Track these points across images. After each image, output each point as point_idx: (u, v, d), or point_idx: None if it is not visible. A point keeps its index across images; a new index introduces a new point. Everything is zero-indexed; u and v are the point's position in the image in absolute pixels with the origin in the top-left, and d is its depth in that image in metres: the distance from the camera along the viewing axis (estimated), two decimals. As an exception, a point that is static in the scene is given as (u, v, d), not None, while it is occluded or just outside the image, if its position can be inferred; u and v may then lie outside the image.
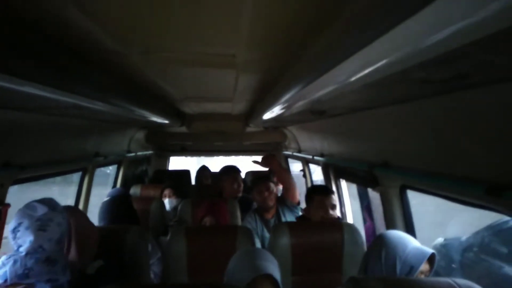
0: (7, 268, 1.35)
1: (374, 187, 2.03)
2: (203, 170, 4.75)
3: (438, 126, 1.27)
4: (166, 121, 3.25)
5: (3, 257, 1.39)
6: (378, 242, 1.52)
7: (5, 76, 0.88)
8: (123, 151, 3.68)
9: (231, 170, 3.59)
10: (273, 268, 1.45)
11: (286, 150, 4.76)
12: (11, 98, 1.27)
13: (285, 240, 2.05)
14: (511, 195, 0.93)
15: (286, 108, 1.77)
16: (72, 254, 1.51)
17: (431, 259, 1.44)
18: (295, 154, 4.13)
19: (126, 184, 4.05)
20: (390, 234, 1.53)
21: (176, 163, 7.18)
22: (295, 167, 5.02)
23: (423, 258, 1.39)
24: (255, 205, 3.58)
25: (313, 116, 1.91)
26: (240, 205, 3.11)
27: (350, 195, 3.16)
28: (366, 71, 0.81)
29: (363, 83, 0.95)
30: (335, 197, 2.43)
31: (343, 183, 3.00)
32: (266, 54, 1.34)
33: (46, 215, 1.40)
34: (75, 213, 1.59)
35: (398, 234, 1.52)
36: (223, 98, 2.63)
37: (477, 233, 4.07)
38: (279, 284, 1.42)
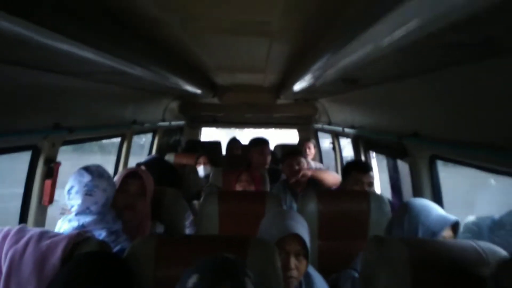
0: (64, 227, 1.54)
1: (403, 158, 2.04)
2: (234, 141, 4.86)
3: (467, 95, 1.27)
4: (199, 91, 3.34)
5: (59, 221, 1.58)
6: (402, 209, 1.55)
7: (52, 35, 0.95)
8: (158, 120, 3.84)
9: (259, 142, 3.62)
10: (302, 229, 1.49)
11: (317, 124, 4.76)
12: (57, 60, 1.37)
13: (312, 207, 2.12)
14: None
15: (317, 77, 1.80)
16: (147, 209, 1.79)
17: (454, 227, 1.46)
18: (325, 127, 4.14)
19: (161, 152, 4.24)
20: (415, 201, 1.55)
21: (207, 135, 7.37)
22: (325, 143, 5.03)
23: (445, 224, 1.41)
24: (283, 176, 3.66)
25: (345, 85, 1.92)
26: (268, 176, 3.20)
27: (380, 169, 3.17)
28: (396, 35, 0.84)
29: (393, 48, 0.97)
30: (372, 174, 2.40)
31: (373, 156, 3.01)
32: (300, 21, 1.37)
33: (91, 182, 1.56)
34: (147, 175, 1.88)
35: (423, 202, 1.54)
36: (255, 69, 2.67)
37: (510, 212, 3.97)
38: (306, 244, 1.46)
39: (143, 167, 2.51)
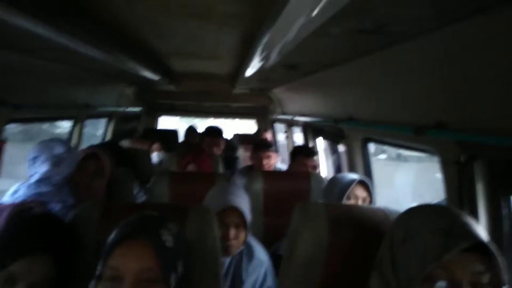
0: (21, 192, 1.55)
1: (341, 142, 2.23)
2: (191, 129, 4.91)
3: (380, 81, 1.45)
4: (155, 78, 3.36)
5: (16, 184, 1.60)
6: (330, 182, 1.77)
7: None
8: (112, 106, 3.81)
9: (212, 132, 3.60)
10: (242, 202, 1.60)
11: (273, 115, 4.93)
12: (1, 33, 1.38)
13: (258, 186, 2.26)
14: (431, 133, 1.12)
15: (262, 63, 1.92)
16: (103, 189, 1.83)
17: (364, 186, 1.68)
18: (279, 117, 4.30)
19: (116, 139, 4.21)
20: (339, 174, 1.77)
21: (168, 125, 7.33)
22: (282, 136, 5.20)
23: (353, 180, 1.64)
24: (240, 164, 3.78)
25: (287, 72, 2.05)
26: (224, 162, 3.29)
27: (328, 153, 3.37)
28: (325, 22, 0.95)
29: (323, 34, 1.09)
30: (317, 158, 2.63)
31: (320, 142, 3.20)
32: (245, 6, 1.46)
33: (62, 154, 1.61)
34: (106, 156, 1.90)
35: (344, 173, 1.77)
36: (208, 55, 2.74)
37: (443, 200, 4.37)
38: (245, 217, 1.58)
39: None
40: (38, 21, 1.17)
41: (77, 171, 1.76)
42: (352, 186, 1.62)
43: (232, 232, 1.54)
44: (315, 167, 2.58)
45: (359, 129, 1.99)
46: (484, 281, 0.80)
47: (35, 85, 2.16)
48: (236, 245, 1.57)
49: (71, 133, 3.08)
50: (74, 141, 3.07)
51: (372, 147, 2.25)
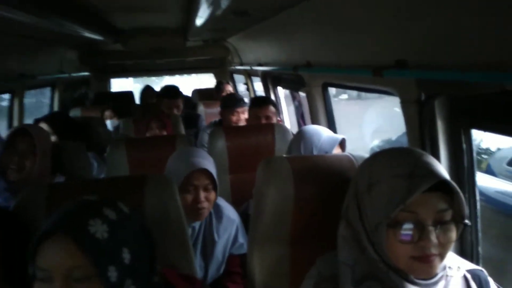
0: None
1: (301, 89, 2.17)
2: (147, 89, 4.68)
3: (335, 23, 1.36)
4: (98, 37, 3.09)
5: None
6: (297, 136, 1.71)
7: None
8: (55, 73, 3.50)
9: (170, 92, 3.42)
10: (208, 164, 1.57)
11: (231, 66, 4.76)
12: None
13: (221, 143, 2.19)
14: (389, 73, 1.08)
15: (211, 9, 1.76)
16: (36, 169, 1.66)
17: (342, 145, 1.65)
18: (237, 68, 4.16)
19: (65, 108, 3.94)
20: (307, 128, 1.73)
21: (123, 87, 6.98)
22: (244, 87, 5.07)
23: (334, 142, 1.60)
24: (202, 121, 3.66)
25: (238, 18, 1.92)
26: (185, 121, 3.17)
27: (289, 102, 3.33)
28: None
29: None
30: (272, 108, 2.50)
31: (280, 91, 3.13)
32: None
33: None
34: (39, 132, 1.76)
35: (314, 127, 1.72)
36: (154, 7, 2.53)
37: (403, 133, 4.57)
38: (214, 177, 1.55)
39: (43, 124, 2.33)
40: None
41: (5, 151, 1.60)
42: (335, 147, 1.57)
43: (202, 194, 1.51)
44: (269, 117, 2.42)
45: (318, 75, 1.93)
46: (447, 218, 0.82)
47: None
48: (208, 207, 1.55)
49: (10, 107, 2.82)
50: (15, 118, 2.82)
51: (333, 89, 2.21)
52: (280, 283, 1.15)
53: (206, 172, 1.53)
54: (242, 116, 2.74)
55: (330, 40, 1.67)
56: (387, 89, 1.27)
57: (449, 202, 0.82)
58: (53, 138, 2.23)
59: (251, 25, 2.35)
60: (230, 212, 1.66)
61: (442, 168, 0.84)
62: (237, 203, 1.92)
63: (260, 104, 2.46)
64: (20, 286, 0.91)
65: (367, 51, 1.37)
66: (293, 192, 1.14)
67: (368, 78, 1.32)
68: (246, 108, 2.73)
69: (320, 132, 1.65)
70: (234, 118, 2.75)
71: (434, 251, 0.80)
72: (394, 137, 4.88)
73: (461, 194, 0.80)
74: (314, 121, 2.14)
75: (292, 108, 3.10)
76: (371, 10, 1.20)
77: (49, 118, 2.50)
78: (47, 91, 3.94)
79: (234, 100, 2.86)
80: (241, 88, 5.04)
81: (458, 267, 0.91)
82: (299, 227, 1.16)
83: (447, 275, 0.88)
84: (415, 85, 1.17)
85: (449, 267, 0.89)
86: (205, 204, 1.52)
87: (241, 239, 1.60)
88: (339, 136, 1.62)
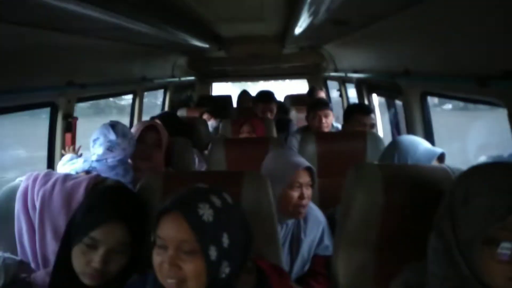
0: (77, 164, 1.72)
1: (398, 97, 2.11)
2: (244, 94, 4.94)
3: (438, 30, 1.32)
4: (204, 45, 3.40)
5: (73, 156, 1.77)
6: (392, 146, 1.65)
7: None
8: (168, 76, 3.96)
9: (264, 97, 3.61)
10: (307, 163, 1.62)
11: (325, 73, 4.78)
12: (65, 19, 1.47)
13: (311, 148, 2.25)
14: (496, 83, 1.02)
15: (311, 20, 1.84)
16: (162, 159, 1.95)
17: (441, 159, 1.56)
18: (332, 74, 4.16)
19: (173, 108, 4.40)
20: (403, 138, 1.66)
21: (222, 91, 7.48)
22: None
23: (432, 156, 1.51)
24: (293, 126, 3.76)
25: (336, 27, 1.96)
26: (277, 126, 3.29)
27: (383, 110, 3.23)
28: None
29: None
30: (373, 116, 2.48)
31: (375, 98, 3.07)
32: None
33: (115, 140, 1.73)
34: (163, 128, 2.03)
35: (410, 138, 1.64)
36: (254, 17, 2.71)
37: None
38: (314, 176, 1.60)
39: (157, 121, 2.69)
40: (92, 6, 1.24)
41: (137, 144, 1.85)
42: (433, 161, 1.49)
43: (306, 192, 1.57)
44: (373, 125, 2.45)
45: (417, 83, 1.86)
46: None
47: (96, 64, 2.31)
48: (308, 205, 1.60)
49: (132, 105, 3.29)
50: (136, 115, 3.28)
51: (434, 98, 2.08)
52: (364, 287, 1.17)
53: (309, 171, 1.59)
54: (324, 119, 2.76)
55: (430, 47, 1.62)
56: (492, 99, 1.19)
57: None
58: None
59: (349, 33, 2.37)
60: (318, 213, 1.71)
61: None
62: (324, 207, 1.96)
63: (365, 111, 2.43)
64: (144, 250, 1.10)
65: (471, 59, 1.30)
66: (382, 199, 1.15)
67: (471, 88, 1.26)
68: (329, 111, 2.78)
69: (417, 143, 1.58)
70: (315, 120, 2.79)
71: None
72: (505, 154, 4.33)
73: None
74: (410, 131, 2.07)
75: (386, 117, 3.01)
76: (477, 18, 1.16)
77: (162, 117, 2.87)
78: (157, 93, 4.46)
79: (316, 103, 2.93)
80: (334, 94, 5.01)
81: None
82: (386, 234, 1.17)
83: None
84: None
85: None
86: (307, 202, 1.58)
87: (327, 241, 1.63)
88: (438, 150, 1.53)
